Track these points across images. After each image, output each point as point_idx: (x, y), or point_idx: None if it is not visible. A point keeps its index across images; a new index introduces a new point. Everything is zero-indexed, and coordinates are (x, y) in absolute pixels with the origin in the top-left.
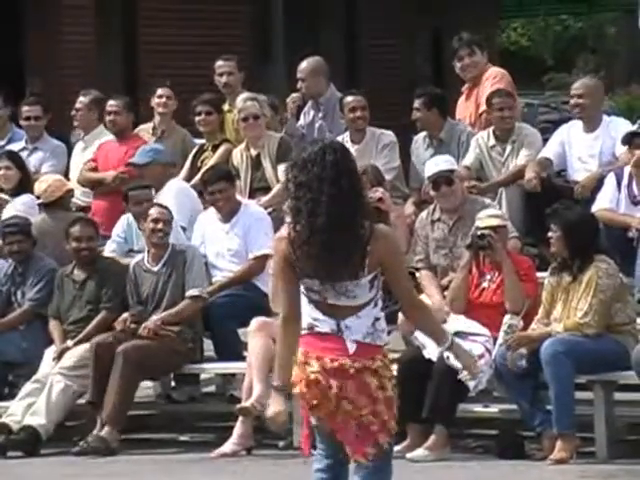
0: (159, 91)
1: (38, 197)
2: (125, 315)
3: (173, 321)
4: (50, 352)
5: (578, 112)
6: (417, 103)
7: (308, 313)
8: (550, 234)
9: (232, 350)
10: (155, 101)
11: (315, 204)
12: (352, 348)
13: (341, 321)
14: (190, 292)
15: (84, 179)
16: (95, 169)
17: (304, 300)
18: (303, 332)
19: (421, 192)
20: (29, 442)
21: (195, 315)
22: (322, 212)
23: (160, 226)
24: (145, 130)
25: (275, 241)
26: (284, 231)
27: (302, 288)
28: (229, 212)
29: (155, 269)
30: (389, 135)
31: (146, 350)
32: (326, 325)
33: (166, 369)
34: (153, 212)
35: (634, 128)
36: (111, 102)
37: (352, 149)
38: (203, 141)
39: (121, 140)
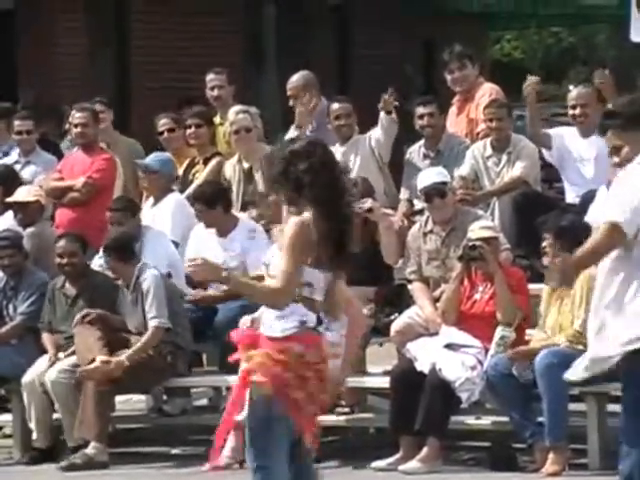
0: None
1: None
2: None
3: (143, 352)
4: (43, 360)
5: (581, 120)
6: (431, 108)
7: (296, 311)
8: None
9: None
10: None
11: (330, 187)
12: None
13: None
14: (150, 322)
15: (51, 188)
16: (61, 180)
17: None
18: (294, 330)
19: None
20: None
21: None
22: (333, 195)
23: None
24: None
25: (298, 225)
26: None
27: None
28: (224, 229)
29: (129, 292)
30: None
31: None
32: (313, 319)
33: (144, 386)
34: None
35: None
36: (78, 114)
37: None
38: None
39: (87, 151)
